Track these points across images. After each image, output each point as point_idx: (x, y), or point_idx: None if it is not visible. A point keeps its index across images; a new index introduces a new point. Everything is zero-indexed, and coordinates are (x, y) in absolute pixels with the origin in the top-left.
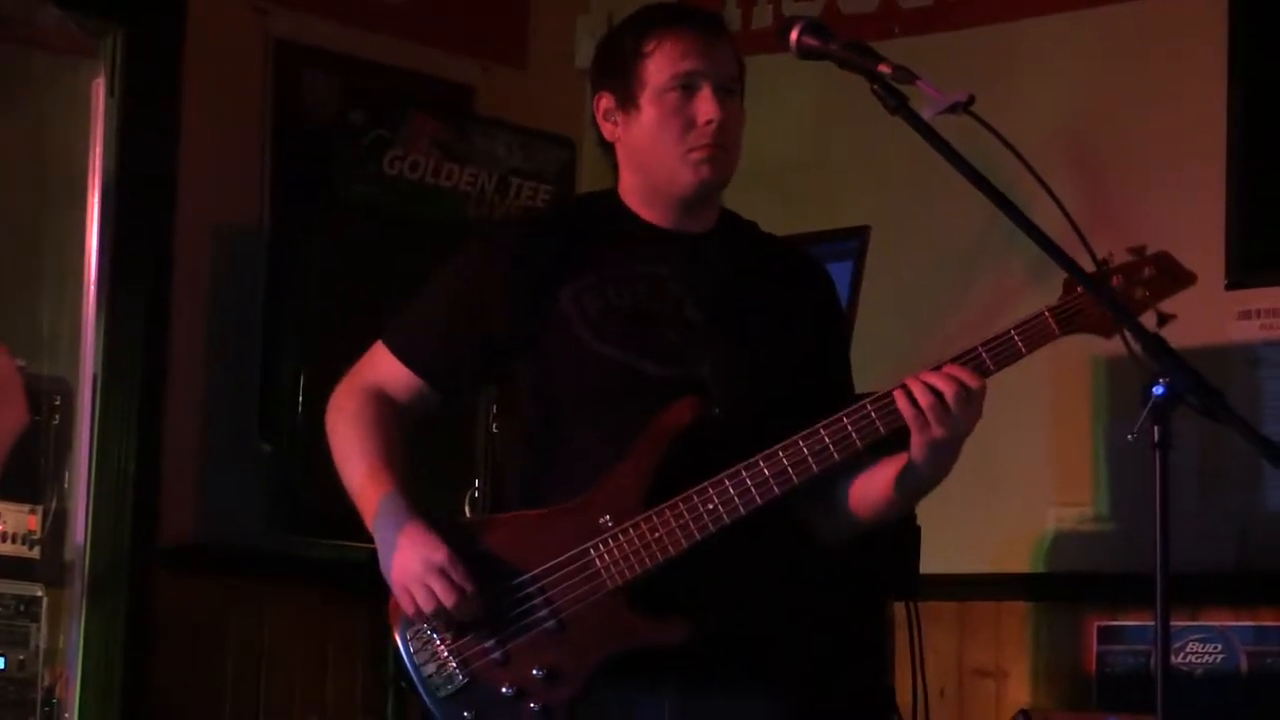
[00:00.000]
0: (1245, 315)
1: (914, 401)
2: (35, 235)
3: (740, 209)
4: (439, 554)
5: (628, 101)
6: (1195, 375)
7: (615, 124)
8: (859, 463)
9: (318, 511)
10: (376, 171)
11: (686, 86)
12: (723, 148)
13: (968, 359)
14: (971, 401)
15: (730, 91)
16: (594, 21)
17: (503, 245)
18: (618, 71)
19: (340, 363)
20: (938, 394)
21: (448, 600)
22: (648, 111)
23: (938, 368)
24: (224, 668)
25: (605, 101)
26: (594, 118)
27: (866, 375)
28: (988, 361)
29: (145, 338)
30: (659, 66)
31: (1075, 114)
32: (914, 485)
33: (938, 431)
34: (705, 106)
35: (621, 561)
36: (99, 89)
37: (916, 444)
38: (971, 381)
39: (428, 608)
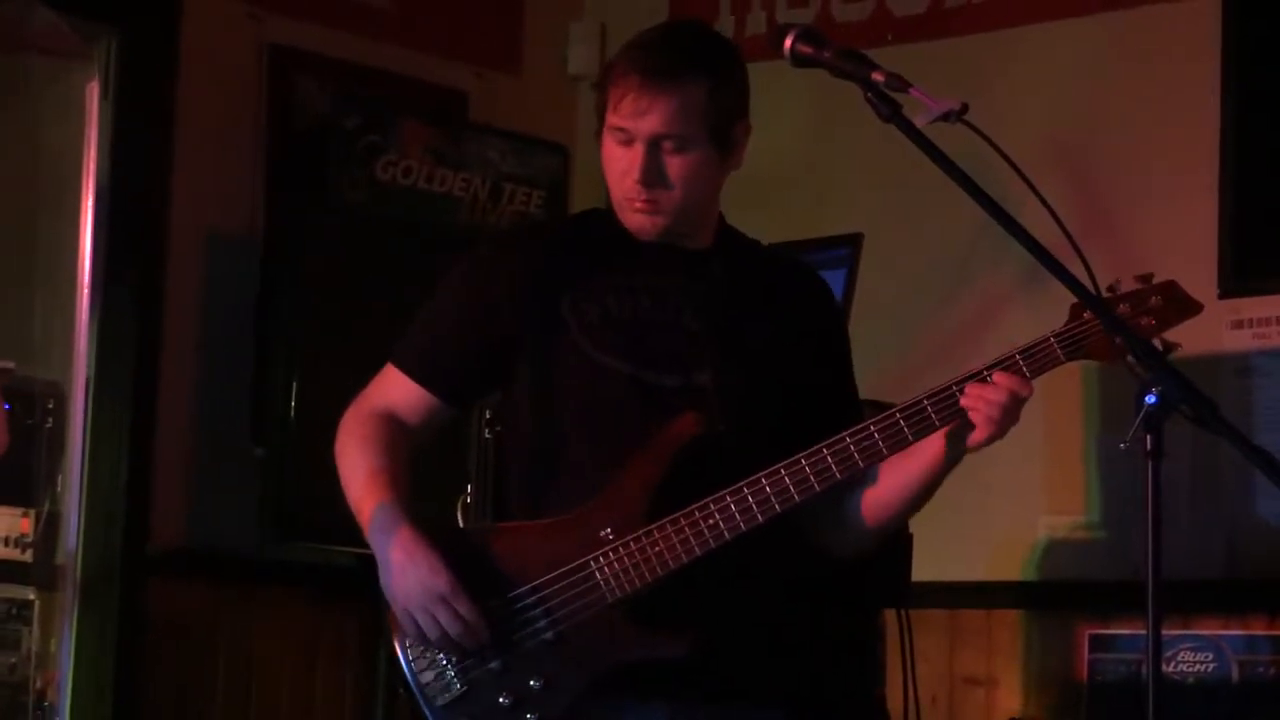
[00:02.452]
0: (1238, 324)
1: (988, 411)
2: (28, 238)
3: (732, 215)
4: (440, 579)
5: (599, 124)
6: (1187, 384)
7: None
8: (864, 479)
9: (309, 517)
10: (369, 177)
11: (622, 141)
12: (654, 201)
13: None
14: (1019, 408)
15: (681, 143)
16: (587, 28)
17: (505, 251)
18: (599, 93)
19: (333, 368)
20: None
21: (451, 629)
22: (605, 143)
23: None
24: (215, 671)
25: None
26: None
27: (858, 383)
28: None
29: (138, 342)
30: (608, 109)
31: (1068, 122)
32: (930, 487)
33: (995, 431)
34: (632, 163)
35: (622, 575)
36: (93, 92)
37: (978, 441)
38: (1024, 390)
39: (432, 636)
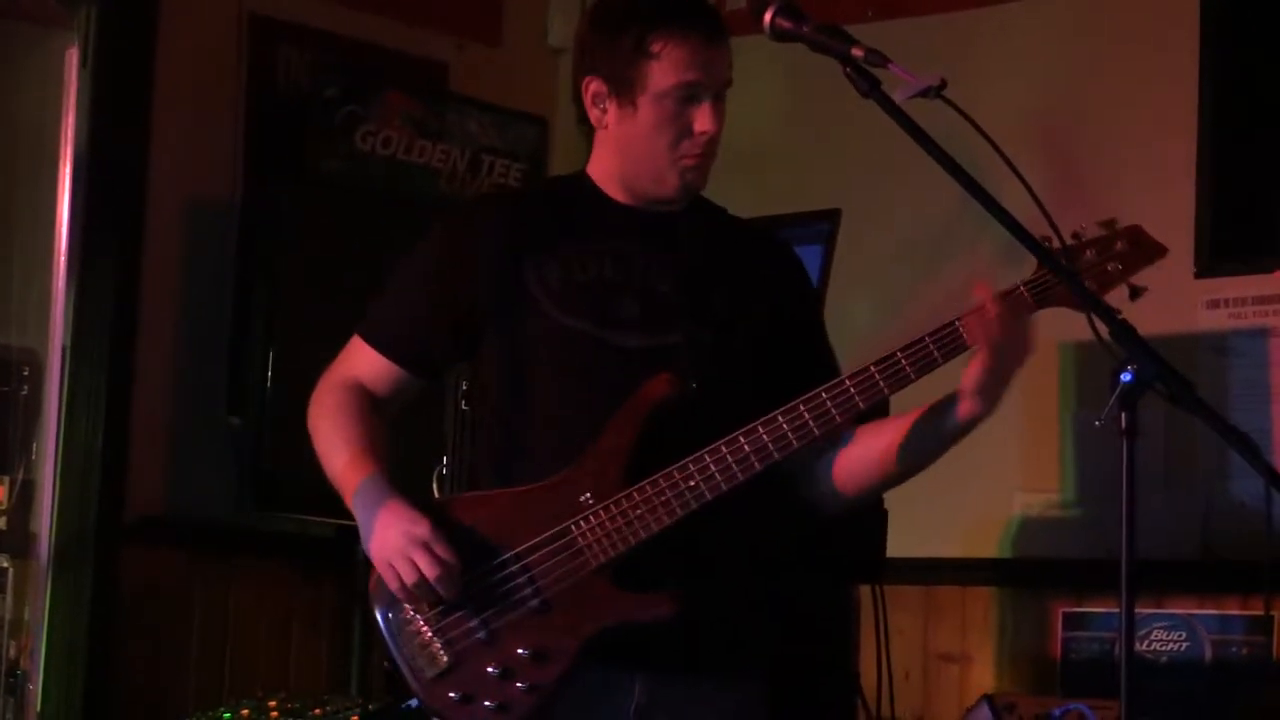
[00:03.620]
0: (1214, 304)
1: (989, 323)
2: (5, 205)
3: (712, 191)
4: (420, 527)
5: (623, 95)
6: (1163, 362)
7: (604, 111)
8: (847, 437)
9: (285, 486)
10: (349, 148)
11: (688, 97)
12: (711, 156)
13: (945, 333)
14: (1021, 330)
15: (722, 98)
16: (567, 0)
17: (468, 221)
18: (617, 61)
19: (310, 338)
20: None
21: (430, 573)
22: (645, 112)
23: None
24: (189, 640)
25: (595, 86)
26: (578, 95)
27: (837, 357)
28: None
29: (115, 310)
30: (664, 72)
31: (1046, 99)
32: (952, 428)
33: (1009, 355)
34: (703, 120)
35: (605, 539)
36: (72, 60)
37: (982, 368)
38: (1028, 312)
39: (410, 580)
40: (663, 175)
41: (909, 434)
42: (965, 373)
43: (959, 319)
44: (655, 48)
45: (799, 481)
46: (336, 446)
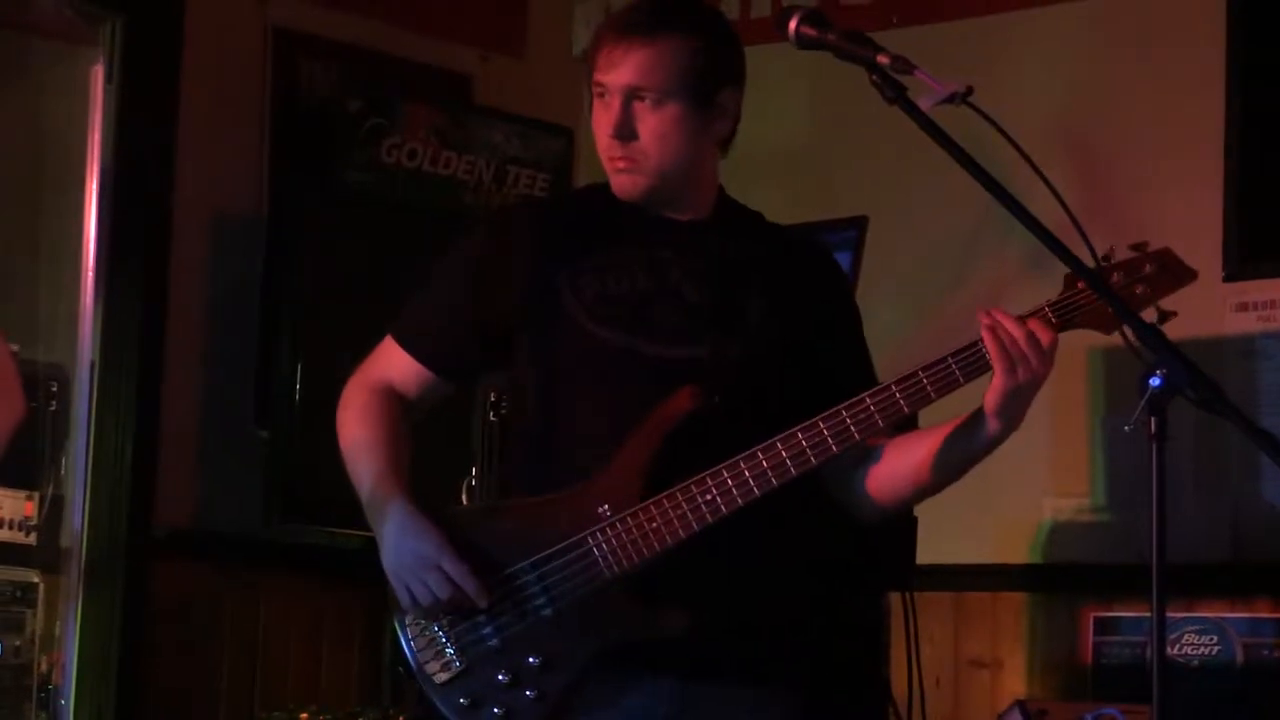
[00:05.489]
0: (1242, 307)
1: (1002, 343)
2: (33, 221)
3: (738, 198)
4: (433, 547)
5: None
6: (1192, 367)
7: None
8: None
9: (313, 498)
10: (374, 160)
11: (599, 95)
12: (631, 159)
13: (968, 353)
14: (1048, 351)
15: (656, 98)
16: (591, 10)
17: (504, 228)
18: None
19: (337, 350)
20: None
21: (442, 593)
22: (593, 111)
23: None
24: (219, 654)
25: None
26: None
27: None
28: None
29: (142, 324)
30: (591, 69)
31: (1073, 104)
32: (979, 445)
33: (1023, 375)
34: (604, 118)
35: (620, 551)
36: (97, 76)
37: (998, 389)
38: (1044, 335)
39: (425, 601)
40: (610, 177)
41: (939, 449)
42: (986, 393)
43: (957, 352)
44: (592, 46)
45: (834, 490)
46: (363, 457)
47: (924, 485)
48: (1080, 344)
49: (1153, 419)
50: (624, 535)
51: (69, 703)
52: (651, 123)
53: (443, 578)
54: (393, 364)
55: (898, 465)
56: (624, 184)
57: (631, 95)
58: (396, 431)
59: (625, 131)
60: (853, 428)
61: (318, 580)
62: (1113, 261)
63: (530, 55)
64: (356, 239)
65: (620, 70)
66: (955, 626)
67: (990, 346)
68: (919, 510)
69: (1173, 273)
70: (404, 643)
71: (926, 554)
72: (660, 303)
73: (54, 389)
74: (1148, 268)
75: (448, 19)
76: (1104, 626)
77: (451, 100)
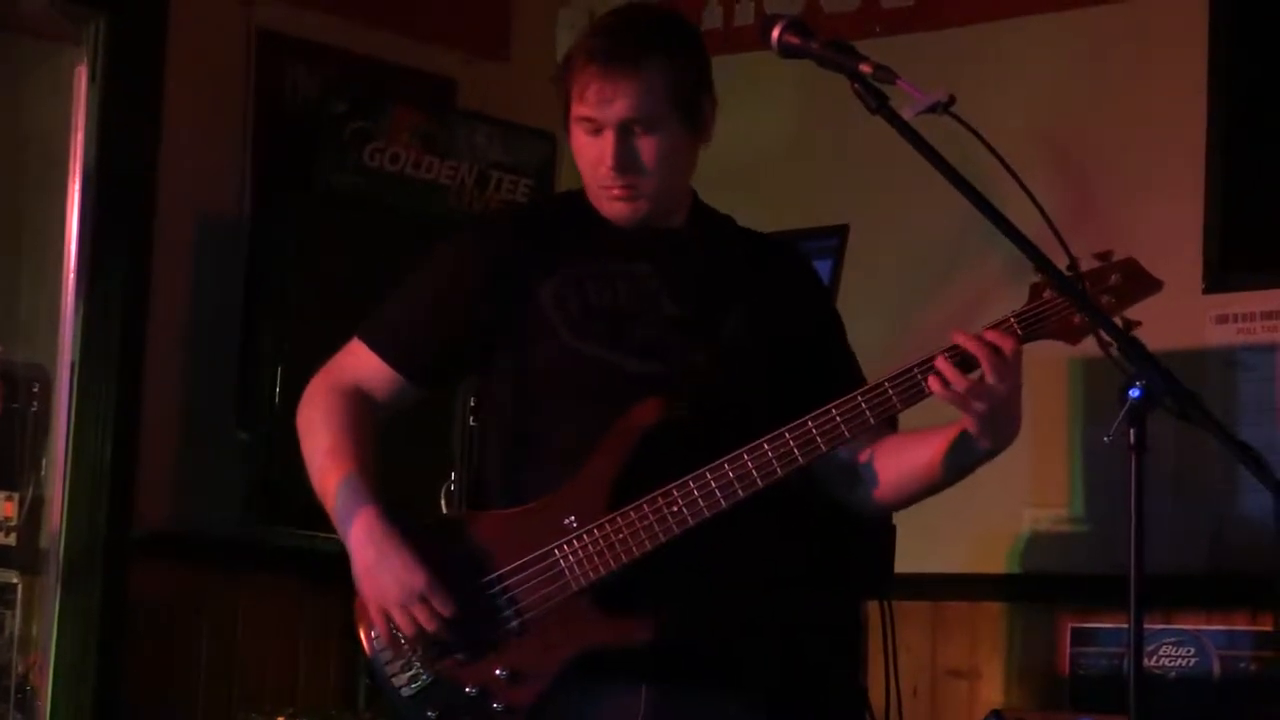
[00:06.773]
0: (1222, 319)
1: (946, 384)
2: (15, 221)
3: (719, 206)
4: (419, 579)
5: (565, 116)
6: (1171, 378)
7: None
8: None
9: (294, 501)
10: (357, 163)
11: (592, 130)
12: (632, 187)
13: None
14: (1008, 364)
15: (650, 124)
16: (575, 15)
17: (483, 239)
18: (561, 81)
19: (319, 353)
20: (973, 365)
21: (429, 628)
22: (573, 135)
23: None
24: (198, 655)
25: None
26: None
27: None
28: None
29: (124, 325)
30: (572, 99)
31: (1055, 115)
32: (972, 457)
33: (980, 406)
34: (604, 151)
35: (586, 562)
36: (81, 75)
37: (967, 420)
38: (1006, 345)
39: (409, 633)
40: (599, 201)
41: (945, 451)
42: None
43: (924, 362)
44: (569, 73)
45: (834, 489)
46: (327, 459)
47: (935, 483)
48: (1060, 355)
49: (1132, 430)
50: (590, 547)
51: (46, 703)
52: (649, 148)
53: (430, 613)
54: (364, 367)
55: (904, 464)
56: (623, 211)
57: (627, 126)
58: (365, 435)
59: (628, 163)
60: (818, 437)
61: (296, 583)
62: (1078, 271)
63: (514, 60)
64: (339, 241)
65: (614, 106)
66: (933, 636)
67: (938, 391)
68: (897, 519)
69: (1139, 282)
70: (370, 655)
71: (905, 563)
72: (640, 316)
73: (34, 389)
74: (1113, 278)
75: (432, 23)
76: (1082, 637)
77: (435, 104)
